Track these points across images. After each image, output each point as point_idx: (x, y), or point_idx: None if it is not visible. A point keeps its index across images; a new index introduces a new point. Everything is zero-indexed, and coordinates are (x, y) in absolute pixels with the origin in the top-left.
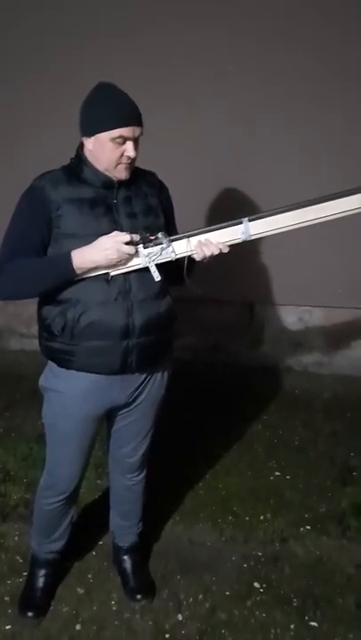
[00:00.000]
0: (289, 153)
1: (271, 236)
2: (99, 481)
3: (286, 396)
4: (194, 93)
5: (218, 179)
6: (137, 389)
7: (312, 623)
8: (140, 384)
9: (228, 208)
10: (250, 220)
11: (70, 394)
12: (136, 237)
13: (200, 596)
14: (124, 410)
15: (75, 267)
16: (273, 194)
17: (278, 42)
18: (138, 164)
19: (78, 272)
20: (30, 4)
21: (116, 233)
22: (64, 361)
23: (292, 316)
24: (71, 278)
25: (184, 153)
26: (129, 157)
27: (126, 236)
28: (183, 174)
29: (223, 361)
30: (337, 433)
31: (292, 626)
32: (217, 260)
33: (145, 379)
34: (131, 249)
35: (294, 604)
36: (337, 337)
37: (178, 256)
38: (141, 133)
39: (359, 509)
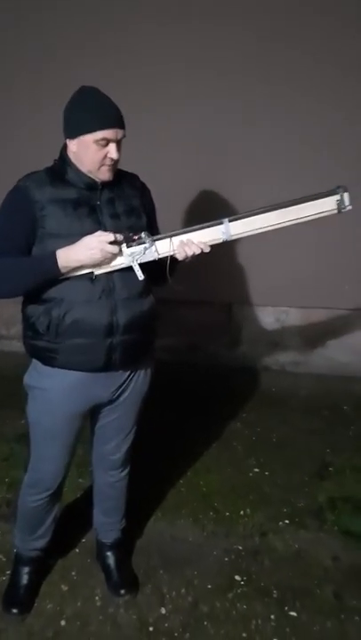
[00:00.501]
0: (271, 154)
1: (249, 237)
2: (81, 480)
3: (264, 394)
4: (179, 93)
5: (199, 180)
6: (120, 386)
7: (292, 613)
8: (124, 381)
9: (210, 208)
10: (230, 221)
11: (54, 391)
12: (120, 237)
13: (182, 590)
14: (108, 406)
15: (60, 266)
16: (253, 195)
17: (266, 42)
18: (122, 165)
19: (63, 271)
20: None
21: (100, 233)
22: (48, 359)
23: (269, 317)
24: (56, 277)
25: (166, 154)
26: (112, 159)
27: (110, 236)
28: (165, 175)
29: (202, 361)
30: (314, 430)
31: (272, 616)
32: (198, 259)
33: (128, 376)
34: (114, 248)
35: (274, 596)
36: (313, 337)
37: (161, 255)
38: (124, 135)
39: (336, 503)
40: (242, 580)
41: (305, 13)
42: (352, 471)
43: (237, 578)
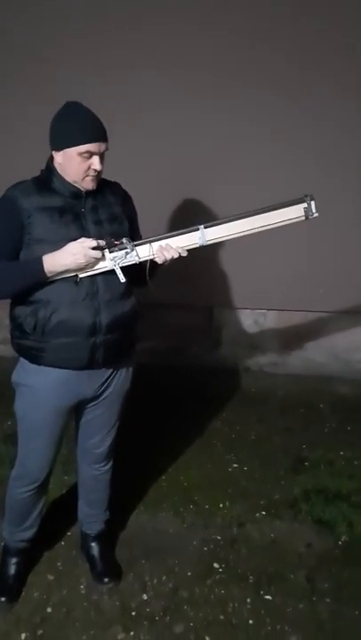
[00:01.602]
0: (247, 160)
1: (228, 243)
2: (66, 477)
3: (243, 394)
4: (157, 99)
5: (178, 187)
6: (103, 383)
7: (267, 597)
8: (107, 378)
9: (185, 215)
10: (205, 227)
11: (41, 388)
12: (102, 243)
13: (163, 578)
14: (92, 403)
15: (46, 270)
16: (229, 202)
17: (250, 46)
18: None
19: (49, 275)
20: None
21: (83, 239)
22: (35, 357)
23: (248, 320)
24: (42, 281)
25: (146, 163)
26: (95, 170)
27: (93, 242)
28: (146, 183)
29: (183, 363)
30: (291, 427)
31: (248, 600)
32: (177, 262)
33: (111, 373)
34: (97, 253)
35: (250, 581)
36: (290, 338)
37: (141, 259)
38: (107, 148)
39: (310, 495)
40: (220, 568)
41: (293, 16)
42: (326, 465)
43: (216, 565)
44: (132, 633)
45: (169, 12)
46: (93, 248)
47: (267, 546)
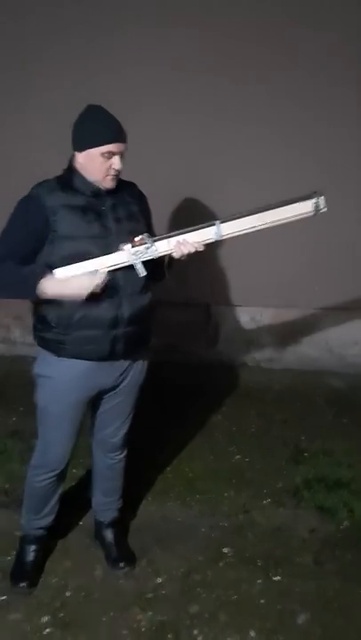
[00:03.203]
0: (256, 159)
1: (226, 242)
2: (74, 470)
3: (242, 389)
4: (166, 101)
5: (187, 186)
6: (122, 374)
7: (275, 578)
8: (125, 369)
9: (196, 213)
10: (221, 222)
11: (62, 380)
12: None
13: (175, 563)
14: (110, 393)
15: (38, 292)
16: (238, 200)
17: (258, 50)
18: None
19: (40, 297)
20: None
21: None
22: (57, 349)
23: (245, 316)
24: (31, 299)
25: (161, 163)
26: (116, 170)
27: (102, 278)
28: (161, 184)
29: (182, 359)
30: (288, 420)
31: (258, 581)
32: (193, 257)
33: (129, 364)
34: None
35: (259, 564)
36: (286, 334)
37: (160, 254)
38: (126, 149)
39: (311, 484)
40: (229, 552)
41: (295, 17)
42: (325, 455)
43: (225, 550)
44: (149, 613)
45: (172, 14)
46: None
47: (272, 531)
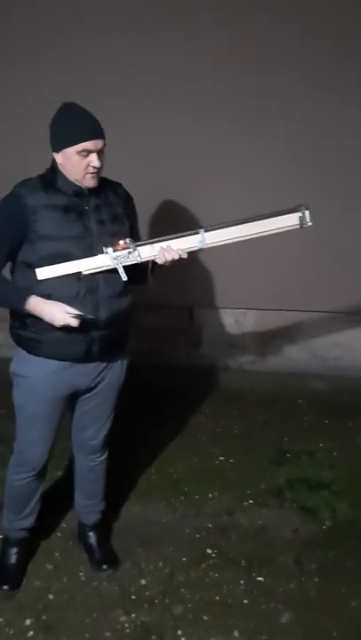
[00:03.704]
0: (242, 168)
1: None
2: (58, 472)
3: (225, 391)
4: (153, 105)
5: (178, 190)
6: (98, 375)
7: (259, 578)
8: (101, 371)
9: (187, 220)
10: (206, 231)
11: (37, 378)
12: (86, 316)
13: (159, 564)
14: (87, 394)
15: (26, 307)
16: (225, 209)
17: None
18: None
19: (26, 311)
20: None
21: (67, 308)
22: (33, 348)
23: (228, 319)
24: (18, 310)
25: (142, 167)
26: (94, 167)
27: (75, 311)
28: (142, 187)
29: (164, 362)
30: (271, 421)
31: (241, 582)
32: (176, 264)
33: (105, 366)
34: (75, 322)
35: (242, 565)
36: (268, 337)
37: (143, 259)
38: (104, 145)
39: (294, 484)
40: (213, 553)
41: (290, 23)
42: (307, 456)
43: (208, 551)
44: (133, 615)
45: (171, 19)
46: (75, 316)
47: (256, 532)
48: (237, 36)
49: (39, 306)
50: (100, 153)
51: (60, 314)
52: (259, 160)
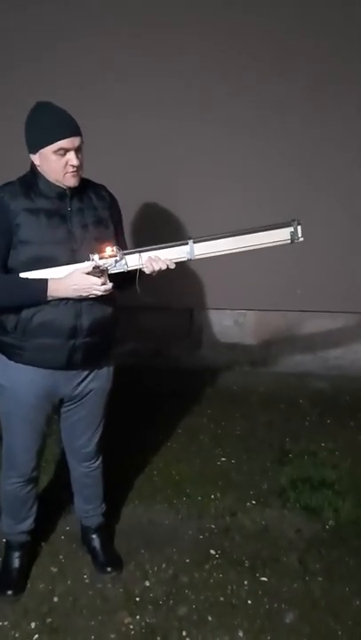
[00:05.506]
0: (234, 173)
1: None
2: (60, 475)
3: (226, 392)
4: (140, 110)
5: (162, 200)
6: (81, 383)
7: (262, 579)
8: (84, 378)
9: (177, 226)
10: (194, 242)
11: (19, 385)
12: (101, 264)
13: (163, 565)
14: (74, 402)
15: (48, 295)
16: (217, 216)
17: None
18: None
19: (49, 299)
20: None
21: (91, 279)
22: (14, 355)
23: (228, 320)
24: (41, 302)
25: (131, 174)
26: (73, 166)
27: (99, 282)
28: (131, 193)
29: (165, 364)
30: (273, 422)
31: (245, 582)
32: (164, 274)
33: (88, 374)
34: (98, 280)
35: (246, 565)
36: (268, 337)
37: (130, 268)
38: (82, 142)
39: (296, 484)
40: (216, 554)
41: (285, 27)
42: (309, 456)
43: (212, 552)
44: (137, 617)
45: (163, 23)
46: (93, 268)
47: (259, 532)
48: (232, 40)
49: (59, 288)
50: (77, 151)
51: (85, 285)
52: (252, 166)
